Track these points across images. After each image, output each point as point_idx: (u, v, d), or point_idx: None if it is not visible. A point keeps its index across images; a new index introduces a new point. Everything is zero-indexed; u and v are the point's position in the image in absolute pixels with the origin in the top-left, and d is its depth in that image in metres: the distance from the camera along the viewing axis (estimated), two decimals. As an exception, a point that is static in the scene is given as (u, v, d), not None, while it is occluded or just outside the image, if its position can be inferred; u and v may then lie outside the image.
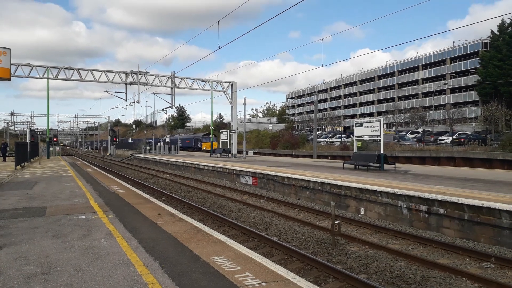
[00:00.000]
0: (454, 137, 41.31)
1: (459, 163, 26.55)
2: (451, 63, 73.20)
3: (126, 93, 34.30)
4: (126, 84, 33.38)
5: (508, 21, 59.79)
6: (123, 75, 33.07)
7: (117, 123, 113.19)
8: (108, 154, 63.79)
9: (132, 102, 40.74)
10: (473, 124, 64.32)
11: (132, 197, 12.75)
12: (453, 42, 77.03)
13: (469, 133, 54.05)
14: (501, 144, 29.88)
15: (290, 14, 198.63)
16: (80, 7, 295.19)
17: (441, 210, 10.13)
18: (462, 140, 39.15)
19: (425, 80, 77.79)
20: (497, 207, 8.85)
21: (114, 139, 62.31)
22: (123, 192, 14.08)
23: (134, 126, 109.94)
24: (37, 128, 47.43)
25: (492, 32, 62.27)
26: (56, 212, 9.72)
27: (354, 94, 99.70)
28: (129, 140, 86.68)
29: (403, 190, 11.41)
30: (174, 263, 5.75)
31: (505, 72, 56.83)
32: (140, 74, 33.28)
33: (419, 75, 79.68)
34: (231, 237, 9.00)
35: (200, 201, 16.25)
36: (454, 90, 72.07)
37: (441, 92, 72.28)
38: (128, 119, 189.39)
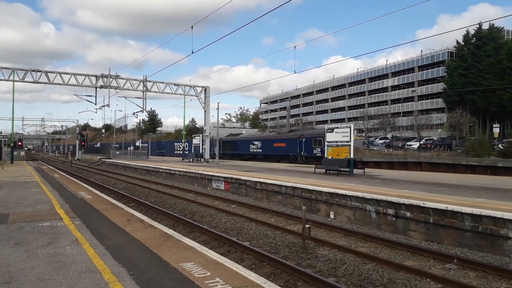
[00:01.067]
0: (421, 142, 42.73)
1: (425, 168, 27.44)
2: (419, 71, 75.74)
3: (96, 97, 33.61)
4: (96, 88, 32.69)
5: (472, 32, 62.53)
6: (93, 78, 32.35)
7: (86, 127, 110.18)
8: (76, 158, 62.03)
9: (102, 106, 39.76)
10: (439, 130, 66.62)
11: (100, 203, 12.44)
12: (421, 51, 79.76)
13: (435, 139, 55.90)
14: (465, 150, 31.12)
15: (264, 20, 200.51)
16: (49, 8, 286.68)
17: (408, 214, 10.43)
18: (429, 145, 40.52)
19: (394, 88, 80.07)
20: (460, 211, 9.20)
21: (83, 143, 60.71)
22: (90, 198, 13.73)
23: (103, 130, 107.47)
24: (1, 132, 45.50)
25: (457, 42, 64.91)
26: (19, 219, 9.36)
27: (326, 100, 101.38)
28: (98, 145, 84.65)
29: (372, 194, 11.68)
30: (143, 270, 5.66)
31: (470, 80, 59.30)
32: (111, 77, 32.66)
33: (389, 82, 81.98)
34: (202, 242, 8.93)
35: (170, 206, 16.05)
36: (421, 98, 74.52)
37: (409, 99, 74.58)
38: (97, 123, 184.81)
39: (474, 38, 62.04)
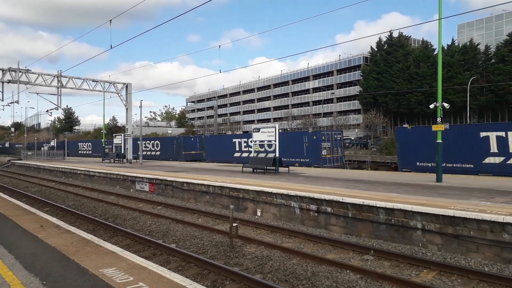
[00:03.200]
0: (341, 142, 45.10)
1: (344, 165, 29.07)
2: (337, 75, 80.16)
3: (2, 92, 30.35)
4: (2, 83, 29.60)
5: (384, 39, 67.68)
6: (-1, 72, 29.30)
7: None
8: (-22, 160, 55.75)
9: (11, 103, 36.16)
10: (356, 130, 71.15)
11: (9, 208, 11.30)
12: (339, 55, 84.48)
13: (352, 138, 59.54)
14: (379, 148, 33.61)
15: (189, 17, 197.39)
16: None
17: (329, 209, 10.97)
18: (347, 144, 43.06)
19: (315, 90, 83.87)
20: (375, 205, 9.89)
21: (-13, 143, 54.74)
22: (-3, 203, 12.40)
23: (13, 129, 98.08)
24: None
25: (371, 48, 69.87)
26: None
27: (252, 101, 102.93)
28: (6, 145, 77.02)
29: (296, 191, 12.09)
30: (58, 278, 5.24)
31: (382, 84, 64.17)
32: (20, 71, 29.79)
33: (310, 84, 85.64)
34: (124, 247, 8.54)
35: (90, 210, 15.12)
36: (340, 99, 78.97)
37: (329, 101, 78.65)
38: (5, 121, 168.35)
39: (385, 45, 67.26)
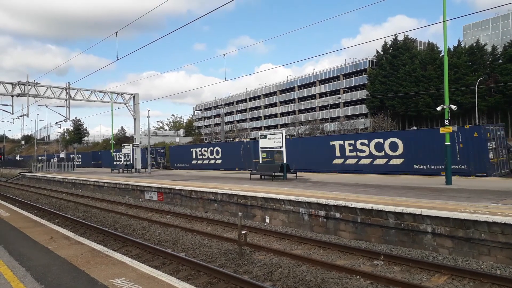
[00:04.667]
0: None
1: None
2: (343, 79, 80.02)
3: (12, 106, 30.87)
4: (12, 96, 30.09)
5: (390, 42, 67.53)
6: (9, 86, 29.80)
7: (3, 138, 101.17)
8: (-10, 174, 56.46)
9: (20, 116, 36.99)
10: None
11: (19, 220, 11.43)
12: (345, 60, 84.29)
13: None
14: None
15: (195, 26, 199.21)
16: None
17: (338, 215, 10.92)
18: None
19: (322, 95, 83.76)
20: (384, 209, 9.83)
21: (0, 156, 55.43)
22: (8, 216, 12.55)
23: (23, 142, 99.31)
24: None
25: (377, 51, 69.73)
26: None
27: (258, 108, 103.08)
28: (17, 157, 77.95)
29: (304, 197, 12.05)
30: (69, 290, 5.28)
31: (389, 87, 63.89)
32: (29, 85, 30.31)
33: (316, 90, 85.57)
34: (134, 257, 8.58)
35: (99, 221, 15.21)
36: (347, 104, 78.74)
37: (336, 105, 78.47)
38: (15, 134, 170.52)
39: (391, 48, 67.09)
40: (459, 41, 61.43)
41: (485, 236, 8.13)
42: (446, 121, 14.67)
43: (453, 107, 14.89)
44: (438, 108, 15.36)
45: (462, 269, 7.60)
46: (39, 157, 64.26)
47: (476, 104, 50.46)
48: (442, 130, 14.77)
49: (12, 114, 31.54)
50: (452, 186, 14.28)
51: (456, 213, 8.57)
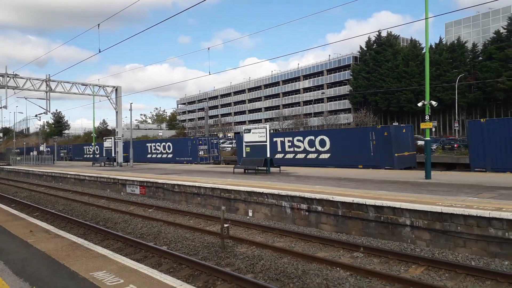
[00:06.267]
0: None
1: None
2: (327, 74, 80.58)
3: (-11, 97, 30.04)
4: (-11, 87, 29.31)
5: (373, 38, 68.18)
6: (-14, 77, 28.98)
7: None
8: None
9: (-2, 107, 35.85)
10: (347, 129, 71.17)
11: (-3, 214, 11.21)
12: (329, 55, 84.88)
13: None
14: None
15: (180, 18, 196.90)
16: None
17: (319, 208, 11.06)
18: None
19: (306, 90, 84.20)
20: (364, 203, 10.00)
21: (-25, 149, 54.03)
22: (-15, 209, 12.29)
23: (1, 135, 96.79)
24: None
25: (361, 47, 70.34)
26: None
27: (243, 102, 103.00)
28: (-5, 151, 76.04)
29: (287, 191, 12.15)
30: (48, 282, 5.24)
31: (372, 83, 64.65)
32: (8, 76, 29.56)
33: (301, 85, 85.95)
34: (115, 250, 8.54)
35: (80, 214, 15.04)
36: (330, 99, 79.39)
37: (320, 100, 79.03)
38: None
39: (375, 44, 67.77)
40: (440, 38, 62.52)
41: (461, 229, 8.37)
42: (427, 117, 14.95)
43: (433, 103, 15.17)
44: (419, 104, 15.63)
45: (438, 260, 7.81)
46: (18, 150, 62.88)
47: (456, 100, 51.51)
48: (423, 125, 15.05)
49: (-10, 105, 30.74)
50: (431, 180, 14.59)
51: (434, 207, 8.79)
